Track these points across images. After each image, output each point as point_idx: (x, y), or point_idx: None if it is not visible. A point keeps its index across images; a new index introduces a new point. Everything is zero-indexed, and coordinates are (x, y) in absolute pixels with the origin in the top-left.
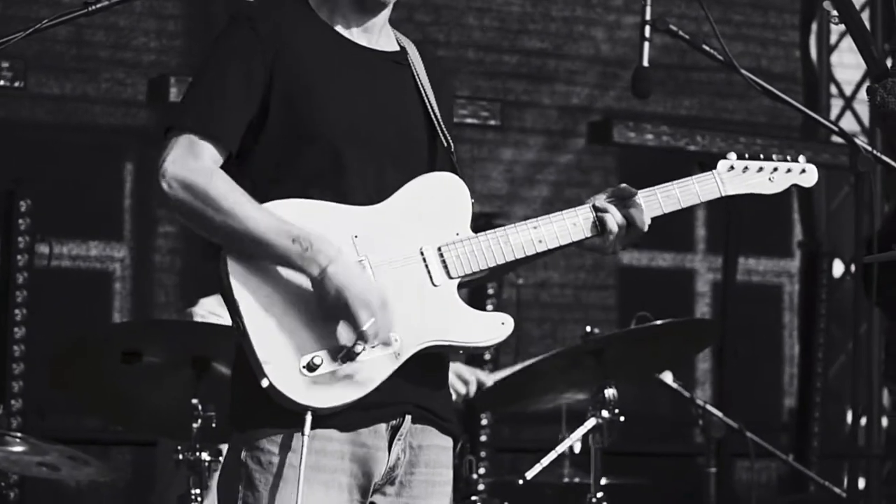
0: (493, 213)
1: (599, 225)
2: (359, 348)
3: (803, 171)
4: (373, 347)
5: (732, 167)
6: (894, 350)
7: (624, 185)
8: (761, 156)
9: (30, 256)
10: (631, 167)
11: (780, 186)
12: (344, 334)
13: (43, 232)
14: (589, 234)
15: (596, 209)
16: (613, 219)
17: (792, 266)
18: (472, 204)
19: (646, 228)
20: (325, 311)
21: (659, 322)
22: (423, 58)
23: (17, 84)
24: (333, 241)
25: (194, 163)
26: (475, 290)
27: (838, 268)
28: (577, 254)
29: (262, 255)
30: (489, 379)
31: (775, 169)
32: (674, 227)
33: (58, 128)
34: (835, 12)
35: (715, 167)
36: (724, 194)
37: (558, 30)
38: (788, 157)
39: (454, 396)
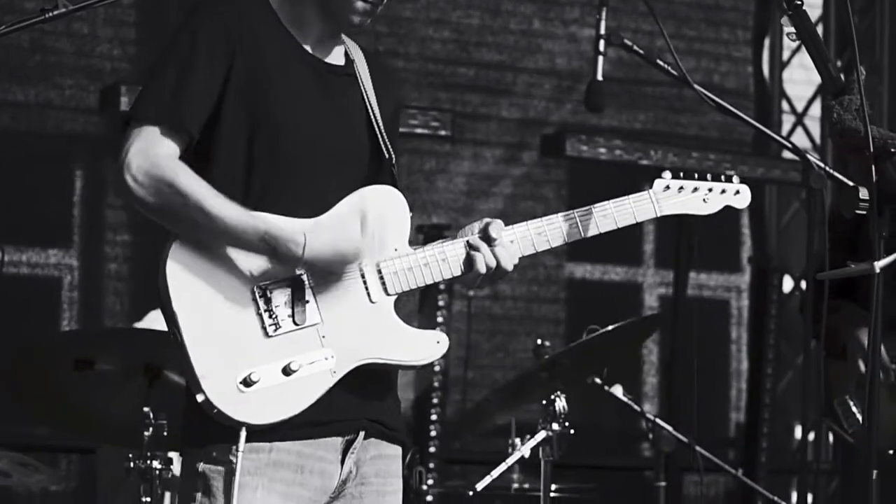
0: (446, 224)
1: (466, 263)
2: None
3: (737, 192)
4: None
5: (668, 187)
6: (830, 391)
7: (495, 222)
8: (696, 175)
9: None
10: (582, 181)
11: (714, 207)
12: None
13: None
14: (458, 273)
15: (469, 245)
16: (482, 259)
17: (741, 281)
18: (411, 217)
19: (510, 268)
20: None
21: (610, 328)
22: (370, 66)
23: None
24: (294, 227)
25: (157, 153)
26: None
27: (788, 284)
28: (529, 266)
29: (231, 246)
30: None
31: (710, 189)
32: (623, 242)
33: (8, 135)
34: (792, 29)
35: (651, 186)
36: (659, 214)
37: (516, 42)
38: (723, 177)
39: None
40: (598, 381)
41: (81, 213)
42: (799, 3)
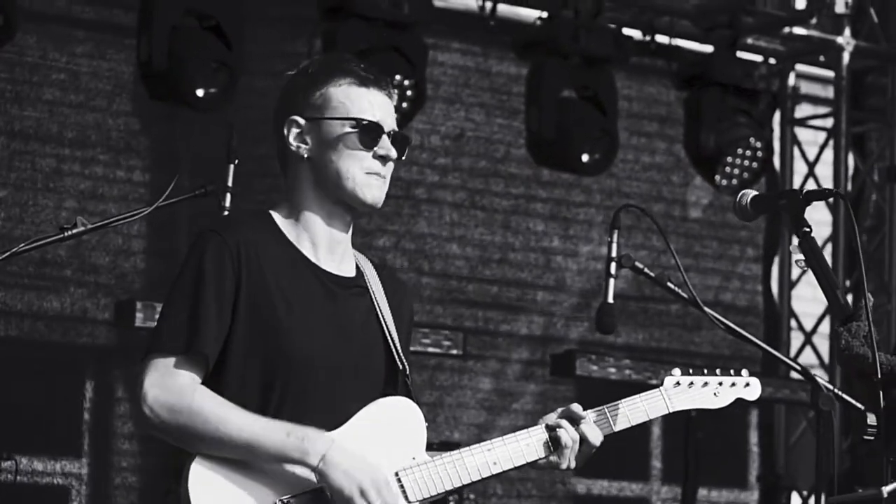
0: (455, 441)
1: (552, 443)
2: None
3: (747, 384)
4: None
5: (678, 383)
6: None
7: (574, 405)
8: (705, 370)
9: None
10: (591, 397)
11: (726, 400)
12: None
13: (8, 448)
14: (542, 454)
15: (548, 428)
16: (567, 434)
17: (749, 498)
18: (427, 427)
19: (598, 443)
20: (333, 494)
21: None
22: (382, 280)
23: None
24: (325, 433)
25: (173, 382)
26: None
27: (796, 501)
28: (537, 480)
29: (257, 457)
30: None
31: (720, 383)
32: (631, 458)
33: (20, 344)
34: (801, 256)
35: (661, 384)
36: (671, 410)
37: (536, 260)
38: (732, 371)
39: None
40: None
41: (90, 423)
42: (808, 230)
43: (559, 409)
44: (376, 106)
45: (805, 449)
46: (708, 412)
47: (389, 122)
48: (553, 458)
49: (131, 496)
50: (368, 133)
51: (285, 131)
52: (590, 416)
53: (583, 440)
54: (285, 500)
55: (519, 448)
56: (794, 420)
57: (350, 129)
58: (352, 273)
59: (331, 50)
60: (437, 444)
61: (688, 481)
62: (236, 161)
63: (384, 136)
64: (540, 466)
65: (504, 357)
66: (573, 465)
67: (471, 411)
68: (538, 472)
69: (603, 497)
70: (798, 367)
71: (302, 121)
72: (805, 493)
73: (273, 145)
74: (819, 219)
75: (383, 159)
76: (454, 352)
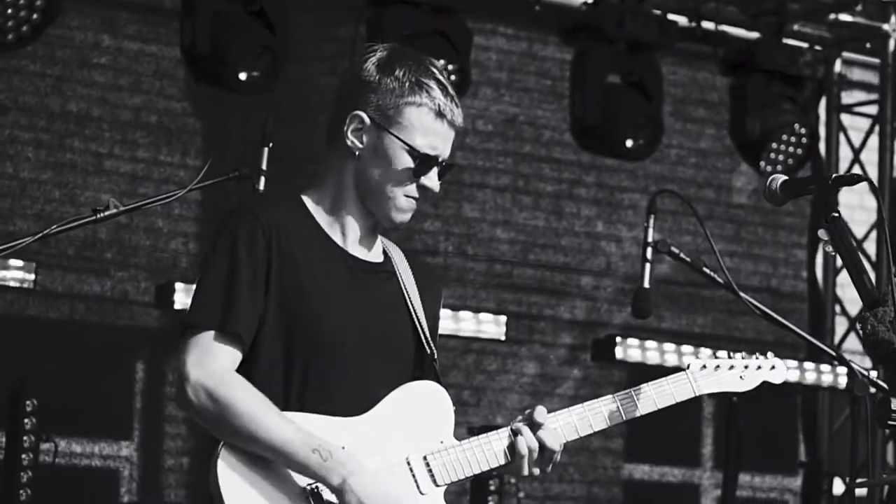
0: (496, 426)
1: (509, 451)
2: None
3: (773, 367)
4: None
5: (704, 366)
6: None
7: (539, 408)
8: (730, 354)
9: (34, 455)
10: (638, 381)
11: (752, 384)
12: None
13: (48, 430)
14: (503, 461)
15: (513, 433)
16: (524, 441)
17: (793, 483)
18: (454, 411)
19: (557, 449)
20: None
21: None
22: (412, 266)
23: (26, 285)
24: (353, 453)
25: (213, 365)
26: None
27: (839, 487)
28: (588, 466)
29: (281, 463)
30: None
31: (746, 367)
32: (681, 443)
33: (66, 326)
34: (829, 240)
35: (688, 367)
36: (697, 393)
37: (580, 245)
38: (757, 355)
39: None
40: None
41: (142, 406)
42: (836, 215)
43: (526, 412)
44: (442, 138)
45: (848, 435)
46: (752, 399)
47: (445, 152)
48: (513, 465)
49: (179, 478)
50: (424, 165)
51: (347, 122)
52: (567, 414)
53: (542, 447)
54: (313, 485)
55: (491, 450)
56: (837, 406)
57: (409, 156)
58: (380, 259)
59: (376, 36)
60: (479, 429)
61: (729, 466)
62: (270, 144)
63: (435, 168)
64: (510, 471)
65: (549, 342)
66: (535, 472)
67: (515, 396)
68: (586, 457)
69: (652, 481)
70: (833, 353)
71: (367, 120)
72: (848, 478)
73: (323, 125)
74: (869, 205)
75: (424, 189)
76: (497, 337)
